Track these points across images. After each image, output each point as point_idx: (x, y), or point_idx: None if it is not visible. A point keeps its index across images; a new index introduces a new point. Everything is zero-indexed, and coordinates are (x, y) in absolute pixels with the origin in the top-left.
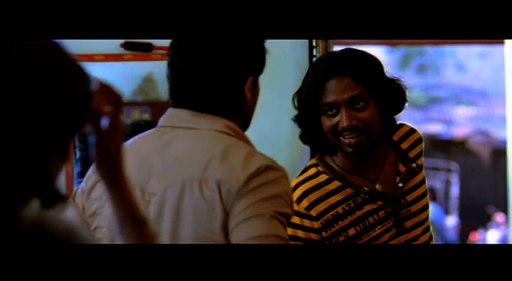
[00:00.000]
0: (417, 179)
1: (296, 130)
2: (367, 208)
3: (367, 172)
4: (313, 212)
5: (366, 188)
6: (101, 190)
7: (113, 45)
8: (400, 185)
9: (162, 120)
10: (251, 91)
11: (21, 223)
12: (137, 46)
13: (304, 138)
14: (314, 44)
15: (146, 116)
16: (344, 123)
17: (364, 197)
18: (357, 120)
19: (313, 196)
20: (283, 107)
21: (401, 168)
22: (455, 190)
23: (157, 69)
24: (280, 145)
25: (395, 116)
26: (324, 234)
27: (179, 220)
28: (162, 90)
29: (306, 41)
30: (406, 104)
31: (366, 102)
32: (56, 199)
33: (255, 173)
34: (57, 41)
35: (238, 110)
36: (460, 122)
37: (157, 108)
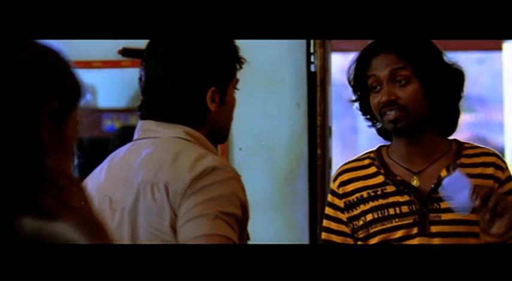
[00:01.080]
0: None
1: (294, 136)
2: (392, 199)
3: (412, 162)
4: (340, 191)
5: (399, 178)
6: None
7: (110, 51)
8: (432, 186)
9: (134, 134)
10: (216, 101)
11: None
12: (135, 53)
13: (366, 120)
14: (312, 50)
15: None
16: (383, 98)
17: (391, 184)
18: (396, 96)
19: (345, 176)
20: (281, 113)
21: (443, 173)
22: None
23: None
24: (278, 151)
25: (459, 107)
26: (346, 214)
27: (135, 223)
28: None
29: (303, 48)
30: (463, 88)
31: (408, 80)
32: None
33: (201, 174)
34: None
35: (200, 119)
36: (458, 128)
37: None
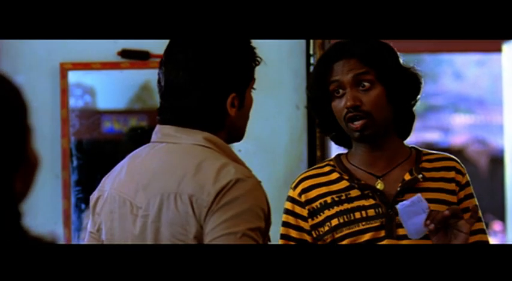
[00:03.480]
0: (428, 195)
1: (293, 138)
2: (357, 203)
3: (375, 167)
4: (303, 198)
5: (363, 182)
6: (100, 205)
7: (110, 53)
8: (398, 189)
9: (152, 136)
10: (236, 106)
11: None
12: (134, 54)
13: (320, 126)
14: (311, 52)
15: (143, 124)
16: (348, 103)
17: (356, 188)
18: (361, 101)
19: (307, 183)
20: (281, 115)
21: (407, 177)
22: None
23: (155, 77)
24: (277, 154)
25: (414, 111)
26: (310, 221)
27: (158, 232)
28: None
29: (303, 50)
30: (421, 91)
31: (372, 84)
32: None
33: (225, 187)
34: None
35: (220, 124)
36: (458, 130)
37: (154, 117)
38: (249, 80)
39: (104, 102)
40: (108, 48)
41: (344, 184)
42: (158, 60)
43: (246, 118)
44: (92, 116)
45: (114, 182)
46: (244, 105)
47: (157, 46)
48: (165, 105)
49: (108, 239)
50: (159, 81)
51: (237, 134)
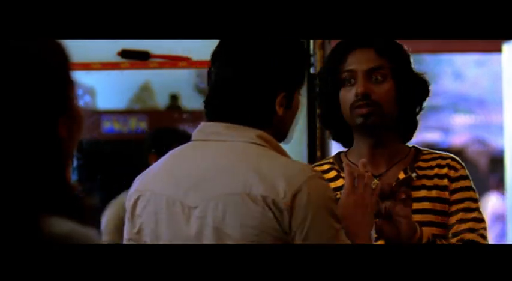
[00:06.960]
0: (422, 193)
1: (294, 138)
2: None
3: (373, 166)
4: None
5: None
6: (141, 205)
7: (109, 53)
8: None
9: (194, 134)
10: (284, 106)
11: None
12: (134, 54)
13: (323, 118)
14: (311, 52)
15: (143, 125)
16: (358, 89)
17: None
18: (371, 91)
19: None
20: None
21: (401, 175)
22: None
23: (155, 77)
24: None
25: (418, 118)
26: None
27: (223, 234)
28: (159, 99)
29: None
30: (429, 95)
31: (385, 78)
32: (72, 208)
33: (301, 186)
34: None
35: (268, 122)
36: (458, 130)
37: (154, 117)
38: (299, 81)
39: (103, 103)
40: (108, 48)
41: (341, 182)
42: (158, 60)
43: (292, 119)
44: (92, 116)
45: (156, 182)
46: (292, 106)
47: (157, 46)
48: (213, 101)
49: (152, 241)
50: (208, 73)
51: (282, 134)
